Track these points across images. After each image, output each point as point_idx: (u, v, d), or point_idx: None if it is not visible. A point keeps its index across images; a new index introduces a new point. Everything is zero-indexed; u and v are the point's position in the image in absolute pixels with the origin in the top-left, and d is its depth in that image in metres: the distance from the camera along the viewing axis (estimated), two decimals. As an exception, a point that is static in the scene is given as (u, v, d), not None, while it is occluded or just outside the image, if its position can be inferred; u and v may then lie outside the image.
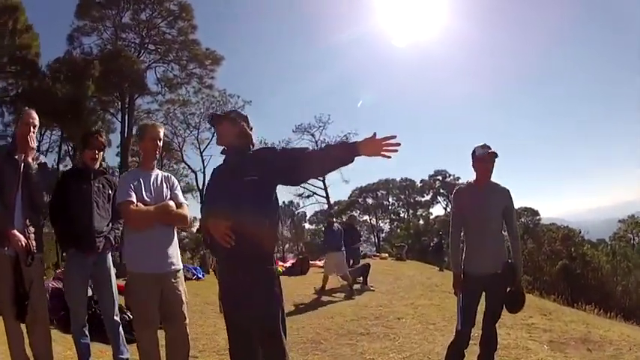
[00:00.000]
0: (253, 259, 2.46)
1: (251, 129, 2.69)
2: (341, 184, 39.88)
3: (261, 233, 2.45)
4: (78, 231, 3.23)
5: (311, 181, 34.90)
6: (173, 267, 2.97)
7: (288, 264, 15.14)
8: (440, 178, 43.30)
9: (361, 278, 9.34)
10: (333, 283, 9.41)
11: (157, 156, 3.19)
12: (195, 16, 28.01)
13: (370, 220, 45.07)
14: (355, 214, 13.95)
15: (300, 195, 36.57)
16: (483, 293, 3.31)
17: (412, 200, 44.62)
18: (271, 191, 2.53)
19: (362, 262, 10.87)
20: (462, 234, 3.44)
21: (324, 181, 34.13)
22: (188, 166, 31.46)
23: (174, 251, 3.00)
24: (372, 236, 44.43)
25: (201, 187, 30.84)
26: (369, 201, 45.15)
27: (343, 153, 2.41)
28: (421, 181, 43.93)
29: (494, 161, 3.32)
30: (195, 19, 28.16)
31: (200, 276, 12.41)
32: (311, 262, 14.60)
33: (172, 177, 3.20)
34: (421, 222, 41.84)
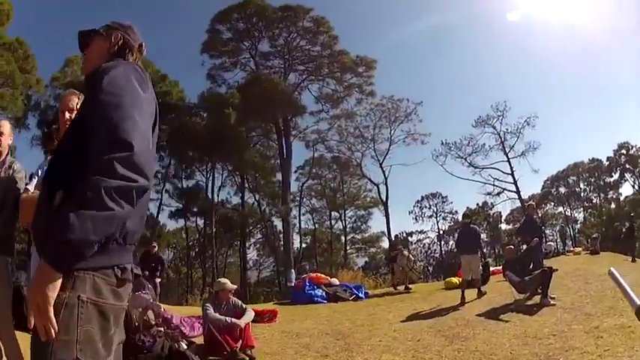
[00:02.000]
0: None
1: (140, 47, 1.60)
2: (530, 174, 34.45)
3: (43, 215, 1.30)
4: None
5: (497, 175, 31.09)
6: None
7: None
8: (624, 152, 35.69)
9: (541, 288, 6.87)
10: (508, 297, 7.40)
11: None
12: (333, 27, 28.04)
13: (565, 211, 39.00)
14: (533, 204, 11.38)
15: (489, 194, 33.02)
16: None
17: (602, 182, 37.40)
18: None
19: (546, 263, 8.34)
20: None
21: (512, 174, 29.81)
22: (370, 180, 31.26)
23: None
24: (568, 229, 38.07)
25: (384, 200, 30.22)
26: (562, 190, 39.02)
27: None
28: (607, 159, 36.53)
29: None
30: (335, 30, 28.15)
31: (361, 296, 11.54)
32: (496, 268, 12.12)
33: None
34: (612, 205, 36.02)
